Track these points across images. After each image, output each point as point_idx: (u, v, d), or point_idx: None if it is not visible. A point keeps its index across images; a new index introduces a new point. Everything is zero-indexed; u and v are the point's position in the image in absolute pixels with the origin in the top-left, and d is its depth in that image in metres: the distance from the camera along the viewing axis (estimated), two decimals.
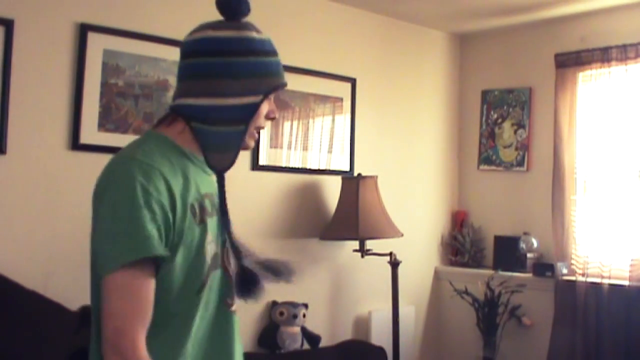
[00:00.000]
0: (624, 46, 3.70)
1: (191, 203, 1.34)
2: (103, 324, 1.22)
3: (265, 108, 1.44)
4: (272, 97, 1.46)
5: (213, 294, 1.40)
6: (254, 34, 1.41)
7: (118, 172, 1.29)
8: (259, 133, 1.50)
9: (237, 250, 1.48)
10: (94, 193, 1.32)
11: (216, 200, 1.46)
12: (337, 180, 3.78)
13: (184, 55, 1.42)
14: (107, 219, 1.26)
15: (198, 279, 1.34)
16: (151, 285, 1.25)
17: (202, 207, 1.37)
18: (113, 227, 1.25)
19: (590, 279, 3.73)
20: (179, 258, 1.30)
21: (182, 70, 1.42)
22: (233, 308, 1.47)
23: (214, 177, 1.47)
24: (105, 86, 2.98)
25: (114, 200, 1.26)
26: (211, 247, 1.38)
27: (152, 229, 1.23)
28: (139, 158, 1.30)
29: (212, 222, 1.41)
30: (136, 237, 1.22)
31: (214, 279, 1.39)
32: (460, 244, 4.40)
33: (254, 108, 1.40)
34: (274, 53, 1.43)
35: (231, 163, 1.43)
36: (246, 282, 1.48)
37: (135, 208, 1.23)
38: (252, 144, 1.48)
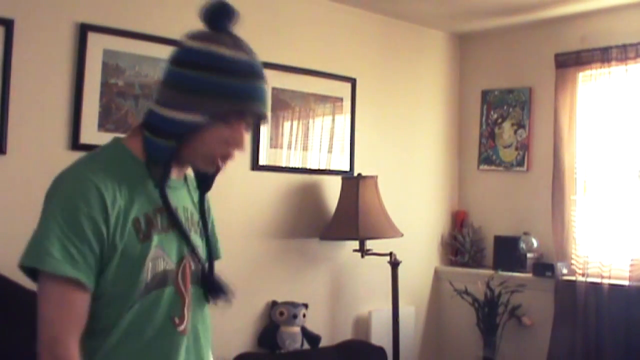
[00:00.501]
0: (624, 46, 3.69)
1: (135, 217, 1.30)
2: (38, 329, 1.23)
3: (222, 133, 1.34)
4: (240, 123, 1.35)
5: (158, 311, 1.33)
6: (225, 51, 1.31)
7: (55, 185, 1.31)
8: (222, 161, 1.40)
9: (206, 266, 1.46)
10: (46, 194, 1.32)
11: (180, 214, 1.41)
12: (337, 180, 3.78)
13: (168, 61, 1.39)
14: (42, 222, 1.27)
15: (131, 294, 1.29)
16: (80, 294, 1.25)
17: (149, 222, 1.32)
18: (33, 235, 1.27)
19: (590, 279, 3.73)
20: (111, 271, 1.27)
21: (162, 76, 1.39)
22: (181, 328, 1.37)
23: (181, 191, 1.45)
24: (105, 86, 2.98)
25: (44, 212, 1.28)
26: (157, 264, 1.33)
27: (62, 247, 1.22)
28: (81, 169, 1.30)
29: (165, 238, 1.35)
30: (37, 248, 1.24)
31: (160, 296, 1.33)
32: (460, 244, 4.40)
33: (191, 127, 1.30)
34: (250, 76, 1.32)
35: (161, 177, 1.34)
36: (216, 288, 1.46)
37: (62, 223, 1.23)
38: (208, 167, 1.41)
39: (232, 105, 1.31)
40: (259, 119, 1.37)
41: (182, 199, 1.45)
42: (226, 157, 1.39)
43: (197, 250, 1.43)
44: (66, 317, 1.23)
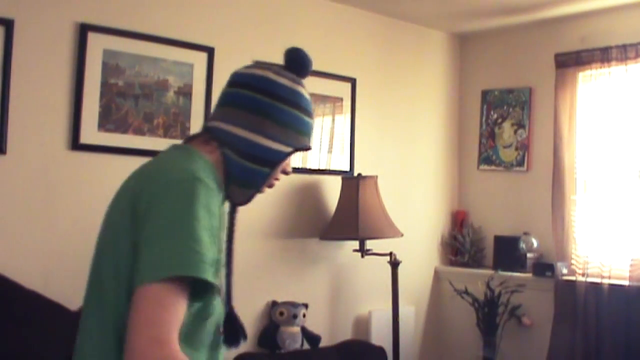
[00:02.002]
0: (624, 46, 3.69)
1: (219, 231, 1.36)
2: (134, 333, 1.13)
3: (287, 162, 1.48)
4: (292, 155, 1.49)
5: (218, 319, 1.40)
6: (305, 92, 1.47)
7: (182, 188, 1.24)
8: (272, 185, 1.51)
9: (229, 293, 1.50)
10: (141, 201, 1.26)
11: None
12: (337, 180, 3.78)
13: (234, 84, 1.44)
14: (163, 232, 1.20)
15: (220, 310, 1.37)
16: (184, 305, 1.21)
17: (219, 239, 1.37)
18: (170, 241, 1.19)
19: (590, 279, 3.73)
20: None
21: (228, 97, 1.44)
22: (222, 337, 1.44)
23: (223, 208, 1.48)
24: (105, 86, 2.98)
25: (176, 216, 1.21)
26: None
27: (210, 253, 1.22)
28: (203, 179, 1.27)
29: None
30: (194, 255, 1.18)
31: (218, 304, 1.39)
32: (460, 244, 4.40)
33: (283, 156, 1.43)
34: (312, 115, 1.49)
35: (247, 200, 1.46)
36: (235, 329, 1.50)
37: (200, 228, 1.21)
38: (264, 190, 1.51)
39: (305, 140, 1.47)
40: (307, 150, 1.53)
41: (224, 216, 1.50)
42: (277, 180, 1.52)
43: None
44: (174, 320, 1.17)
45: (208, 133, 1.41)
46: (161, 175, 1.29)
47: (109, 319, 1.25)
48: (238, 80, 1.45)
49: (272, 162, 1.41)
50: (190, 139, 1.45)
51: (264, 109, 1.40)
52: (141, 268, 1.18)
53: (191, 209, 1.22)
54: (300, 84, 1.47)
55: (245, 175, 1.41)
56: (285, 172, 1.50)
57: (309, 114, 1.47)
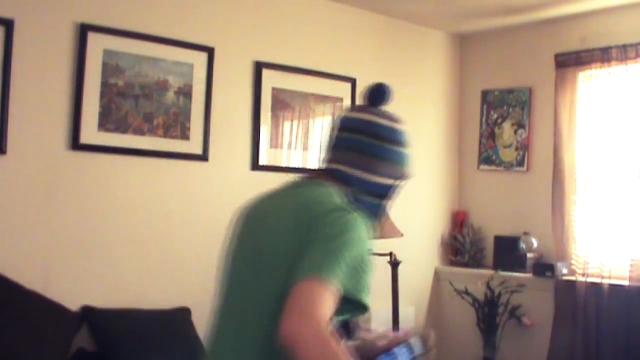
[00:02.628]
0: (624, 46, 3.69)
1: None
2: (289, 312, 1.26)
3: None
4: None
5: None
6: (401, 126, 1.64)
7: (357, 225, 1.44)
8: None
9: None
10: (303, 225, 1.42)
11: None
12: None
13: (347, 129, 1.60)
14: (344, 246, 1.37)
15: None
16: (333, 305, 1.34)
17: None
18: (348, 258, 1.36)
19: (590, 279, 3.73)
20: None
21: (343, 141, 1.60)
22: None
23: None
24: (105, 86, 2.98)
25: (356, 241, 1.40)
26: None
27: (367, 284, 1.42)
28: (363, 221, 1.47)
29: None
30: (362, 280, 1.40)
31: None
32: (460, 244, 4.39)
33: (392, 189, 1.62)
34: (409, 145, 1.66)
35: (375, 232, 1.59)
36: None
37: (367, 261, 1.43)
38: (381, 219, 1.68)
39: (407, 171, 1.64)
40: (409, 179, 1.67)
41: None
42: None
43: None
44: (327, 310, 1.31)
45: (331, 174, 1.60)
46: (333, 211, 1.46)
47: (253, 331, 1.40)
48: (350, 126, 1.61)
49: (384, 194, 1.61)
50: (315, 176, 1.64)
51: (373, 150, 1.58)
52: (304, 266, 1.33)
53: (349, 233, 1.40)
54: (398, 121, 1.64)
55: (372, 209, 1.60)
56: (394, 199, 1.68)
57: (406, 145, 1.65)
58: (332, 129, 1.65)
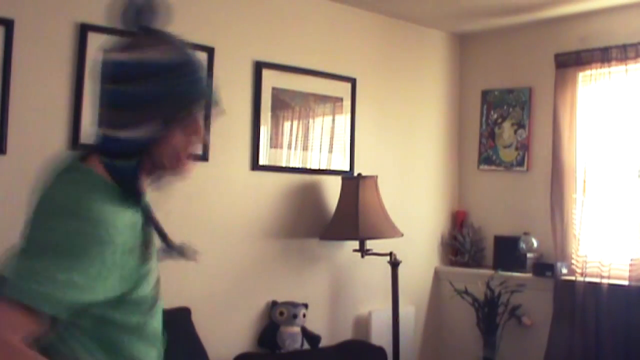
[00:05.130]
0: (624, 46, 3.69)
1: (132, 244, 1.27)
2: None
3: (180, 133, 1.29)
4: (195, 119, 1.30)
5: (157, 324, 1.42)
6: (153, 54, 1.24)
7: (75, 205, 1.20)
8: (189, 158, 1.35)
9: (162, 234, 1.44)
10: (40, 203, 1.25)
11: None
12: (337, 180, 3.78)
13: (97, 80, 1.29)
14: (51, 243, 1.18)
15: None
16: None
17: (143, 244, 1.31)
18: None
19: (590, 279, 3.73)
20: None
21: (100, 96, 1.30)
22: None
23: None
24: None
25: (66, 232, 1.18)
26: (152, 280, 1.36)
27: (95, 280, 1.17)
28: (89, 196, 1.21)
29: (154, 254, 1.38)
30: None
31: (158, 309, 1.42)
32: (460, 244, 4.39)
33: (147, 141, 1.25)
34: (186, 72, 1.26)
35: (135, 195, 1.29)
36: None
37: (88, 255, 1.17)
38: (177, 171, 1.35)
39: (181, 109, 1.26)
40: (214, 107, 1.33)
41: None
42: (192, 152, 1.35)
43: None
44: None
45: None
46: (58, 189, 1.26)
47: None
48: (97, 75, 1.30)
49: (134, 152, 1.26)
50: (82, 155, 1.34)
51: (110, 98, 1.25)
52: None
53: (81, 235, 1.19)
54: (140, 46, 1.23)
55: (118, 175, 1.27)
56: (192, 141, 1.33)
57: (167, 76, 1.23)
58: None
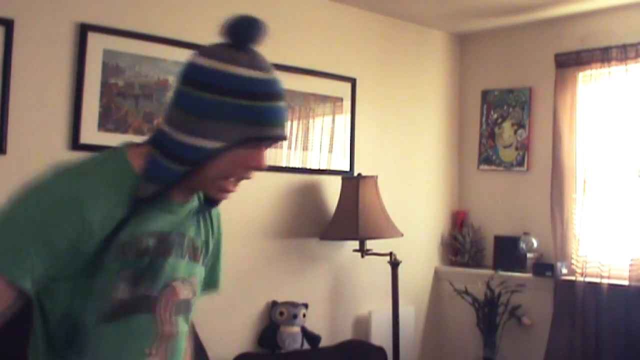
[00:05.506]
0: (624, 46, 3.69)
1: (124, 240, 1.23)
2: None
3: (239, 157, 1.25)
4: (260, 146, 1.27)
5: (129, 337, 1.29)
6: (241, 71, 1.22)
7: (45, 184, 1.25)
8: (237, 183, 1.31)
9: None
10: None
11: (175, 240, 1.34)
12: (337, 180, 3.78)
13: (179, 78, 1.29)
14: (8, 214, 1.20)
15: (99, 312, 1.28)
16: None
17: (136, 243, 1.26)
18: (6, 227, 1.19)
19: (590, 279, 3.73)
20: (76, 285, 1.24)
21: (173, 94, 1.30)
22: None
23: (180, 216, 1.35)
24: (105, 86, 2.98)
25: (24, 205, 1.21)
26: (137, 286, 1.27)
27: (31, 258, 1.16)
28: (68, 178, 1.24)
29: (154, 262, 1.29)
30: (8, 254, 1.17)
31: (134, 321, 1.28)
32: (460, 244, 4.39)
33: (208, 154, 1.21)
34: (264, 97, 1.22)
35: (147, 195, 1.24)
36: None
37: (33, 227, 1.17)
38: (221, 196, 1.33)
39: (251, 132, 1.22)
40: (279, 140, 1.30)
41: (180, 225, 1.35)
42: (243, 179, 1.31)
43: (193, 278, 1.40)
44: None
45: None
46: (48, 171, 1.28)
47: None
48: (179, 73, 1.30)
49: (189, 159, 1.22)
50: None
51: (185, 101, 1.23)
52: None
53: (33, 207, 1.21)
54: (235, 61, 1.22)
55: (154, 170, 1.24)
56: (250, 169, 1.28)
57: (251, 97, 1.21)
58: None
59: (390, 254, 3.73)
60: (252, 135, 1.22)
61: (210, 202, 1.42)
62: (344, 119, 3.93)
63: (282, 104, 1.26)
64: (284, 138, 1.29)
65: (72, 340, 1.25)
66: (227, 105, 1.20)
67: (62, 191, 1.21)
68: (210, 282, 1.55)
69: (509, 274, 4.03)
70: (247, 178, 1.30)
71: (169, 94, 1.33)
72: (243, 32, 1.28)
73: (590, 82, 3.89)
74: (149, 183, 1.24)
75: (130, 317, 1.27)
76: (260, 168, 1.28)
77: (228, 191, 1.31)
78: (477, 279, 4.08)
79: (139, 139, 3.11)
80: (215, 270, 1.58)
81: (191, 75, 1.25)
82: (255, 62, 1.25)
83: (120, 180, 1.25)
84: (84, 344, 1.24)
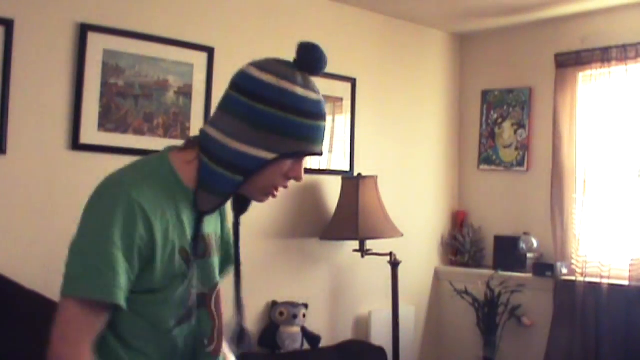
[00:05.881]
0: (624, 46, 3.69)
1: (181, 246, 1.32)
2: (51, 341, 1.25)
3: (284, 167, 1.35)
4: (302, 159, 1.38)
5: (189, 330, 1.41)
6: (298, 90, 1.32)
7: (104, 198, 1.27)
8: (277, 191, 1.41)
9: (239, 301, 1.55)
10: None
11: (212, 239, 1.46)
12: (337, 180, 3.78)
13: (232, 85, 1.36)
14: (82, 243, 1.25)
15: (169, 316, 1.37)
16: (103, 318, 1.26)
17: (185, 250, 1.34)
18: (85, 256, 1.23)
19: (590, 279, 3.73)
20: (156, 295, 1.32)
21: (223, 100, 1.37)
22: (211, 348, 1.47)
23: (212, 217, 1.45)
24: (105, 86, 2.98)
25: (93, 228, 1.25)
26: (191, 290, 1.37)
27: (121, 274, 1.22)
28: (127, 189, 1.25)
29: (202, 264, 1.41)
30: (104, 278, 1.21)
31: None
32: (460, 244, 4.40)
33: (261, 163, 1.30)
34: (315, 116, 1.33)
35: (213, 207, 1.35)
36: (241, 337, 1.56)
37: (111, 246, 1.21)
38: (262, 199, 1.42)
39: (301, 146, 1.32)
40: (317, 155, 1.40)
41: (212, 224, 1.47)
42: (283, 187, 1.41)
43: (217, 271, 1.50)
44: (84, 336, 1.25)
45: (199, 137, 1.37)
46: (99, 185, 1.31)
47: None
48: (231, 81, 1.37)
49: (246, 169, 1.30)
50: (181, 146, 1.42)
51: (240, 110, 1.30)
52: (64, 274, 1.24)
53: (105, 227, 1.23)
54: (289, 79, 1.31)
55: (215, 181, 1.31)
56: (289, 178, 1.39)
57: (304, 114, 1.31)
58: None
59: (390, 254, 3.73)
60: (300, 150, 1.33)
61: (241, 206, 1.49)
62: (344, 118, 3.93)
63: (325, 124, 1.38)
64: (321, 154, 1.39)
65: (147, 335, 1.34)
66: (285, 120, 1.29)
67: (128, 205, 1.24)
68: (229, 260, 1.61)
69: (509, 274, 4.03)
70: (285, 187, 1.41)
71: (220, 101, 1.39)
72: (311, 59, 1.41)
73: (590, 82, 3.89)
74: (207, 194, 1.33)
75: (196, 315, 1.40)
76: (298, 179, 1.40)
77: (273, 195, 1.42)
78: (477, 279, 4.09)
79: (139, 139, 3.12)
80: (230, 252, 1.64)
81: (250, 87, 1.31)
82: (309, 82, 1.36)
83: (166, 186, 1.32)
84: (158, 342, 1.35)
